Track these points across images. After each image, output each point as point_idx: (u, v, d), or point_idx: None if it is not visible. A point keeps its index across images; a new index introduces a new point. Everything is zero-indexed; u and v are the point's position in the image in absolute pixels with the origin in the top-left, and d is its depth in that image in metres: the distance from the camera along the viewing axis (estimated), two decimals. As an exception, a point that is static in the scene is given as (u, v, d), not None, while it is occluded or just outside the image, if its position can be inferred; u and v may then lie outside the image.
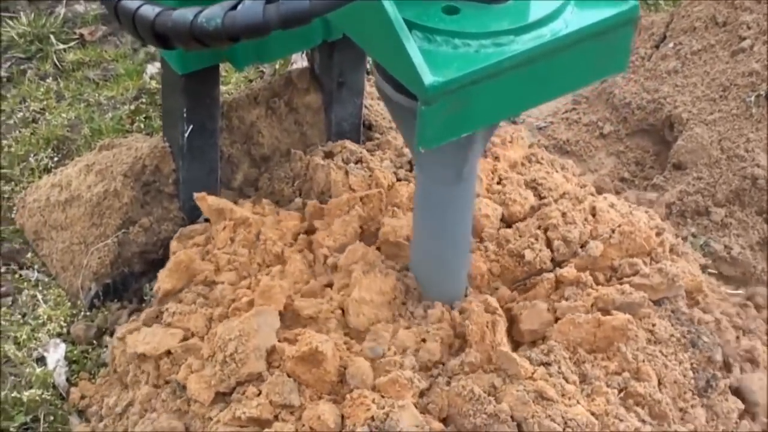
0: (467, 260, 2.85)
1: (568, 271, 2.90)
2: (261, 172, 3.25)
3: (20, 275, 3.24)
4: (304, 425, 2.56)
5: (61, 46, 3.98)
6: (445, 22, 2.25)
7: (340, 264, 2.86)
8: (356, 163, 3.16)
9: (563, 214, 3.00)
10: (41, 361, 3.02)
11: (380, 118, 3.49)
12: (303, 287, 2.83)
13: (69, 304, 3.14)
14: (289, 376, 2.62)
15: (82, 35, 4.05)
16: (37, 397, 2.92)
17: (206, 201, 2.98)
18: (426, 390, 2.63)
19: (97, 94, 3.78)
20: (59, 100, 3.76)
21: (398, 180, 3.12)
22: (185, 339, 2.79)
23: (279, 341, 2.68)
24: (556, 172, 3.27)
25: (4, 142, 3.58)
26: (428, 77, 2.11)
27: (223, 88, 3.38)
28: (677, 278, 2.92)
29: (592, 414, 2.64)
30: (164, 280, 2.91)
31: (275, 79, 3.33)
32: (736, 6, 3.71)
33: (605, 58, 2.34)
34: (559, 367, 2.70)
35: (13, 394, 2.92)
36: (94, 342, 3.07)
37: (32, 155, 3.53)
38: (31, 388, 2.94)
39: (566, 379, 2.69)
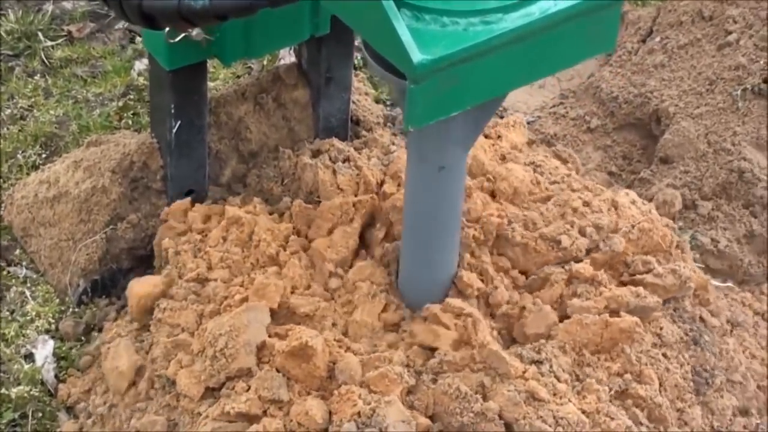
0: (456, 247, 2.84)
1: (584, 267, 2.84)
2: (249, 168, 3.25)
3: (8, 272, 3.23)
4: (291, 420, 2.56)
5: (49, 43, 3.97)
6: (433, 0, 2.24)
7: (346, 279, 2.85)
8: (344, 161, 3.15)
9: (586, 203, 2.97)
10: (29, 357, 3.02)
11: (368, 114, 3.49)
12: (302, 291, 2.83)
13: (57, 300, 3.14)
14: (278, 371, 2.62)
15: (69, 32, 4.04)
16: (26, 394, 2.92)
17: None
18: (413, 387, 2.63)
19: (85, 91, 3.78)
20: (47, 97, 3.75)
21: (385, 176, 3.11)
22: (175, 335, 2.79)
23: (269, 336, 2.68)
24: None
25: (-8, 139, 3.58)
26: (417, 55, 2.11)
27: (210, 84, 3.38)
28: (689, 280, 2.90)
29: (583, 412, 2.63)
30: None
31: (263, 74, 3.33)
32: (722, 0, 3.72)
33: (594, 37, 2.34)
34: (551, 366, 2.67)
35: (1, 391, 2.91)
36: (83, 338, 3.07)
37: (20, 152, 3.53)
38: (19, 384, 2.94)
39: (558, 378, 2.67)
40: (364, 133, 3.41)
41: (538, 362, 2.68)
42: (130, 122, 3.64)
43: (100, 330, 3.03)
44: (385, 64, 2.32)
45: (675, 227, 3.13)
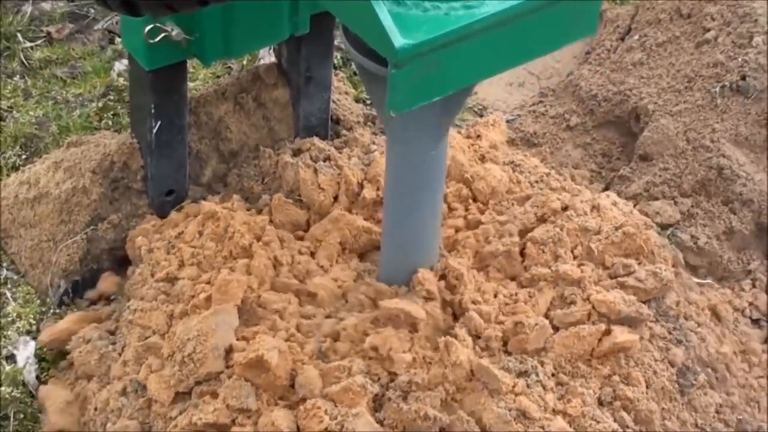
0: (438, 234, 2.83)
1: (571, 270, 2.86)
2: (229, 168, 3.25)
3: (-11, 274, 3.23)
4: (259, 430, 2.55)
5: (28, 44, 3.96)
6: None
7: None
8: (325, 161, 3.15)
9: (565, 206, 2.99)
10: (11, 358, 3.01)
11: (348, 113, 3.49)
12: (270, 282, 2.83)
13: (38, 301, 3.13)
14: (246, 380, 2.61)
15: (49, 33, 4.03)
16: (7, 395, 2.91)
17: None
18: (380, 401, 2.60)
19: (64, 92, 3.77)
20: (27, 98, 3.74)
21: (366, 178, 3.11)
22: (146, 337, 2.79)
23: (237, 340, 2.67)
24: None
25: (-28, 140, 3.57)
26: (398, 40, 2.11)
27: (190, 84, 3.37)
28: (671, 283, 2.92)
29: (568, 416, 2.64)
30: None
31: (243, 74, 3.33)
32: (700, -2, 3.74)
33: (576, 21, 2.34)
34: (537, 375, 2.67)
35: (-17, 392, 2.91)
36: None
37: (0, 153, 3.52)
38: (0, 386, 2.93)
39: (544, 387, 2.67)
40: (344, 132, 3.42)
41: (523, 373, 2.67)
42: (110, 123, 3.63)
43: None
44: (366, 50, 2.32)
45: (654, 225, 3.15)
